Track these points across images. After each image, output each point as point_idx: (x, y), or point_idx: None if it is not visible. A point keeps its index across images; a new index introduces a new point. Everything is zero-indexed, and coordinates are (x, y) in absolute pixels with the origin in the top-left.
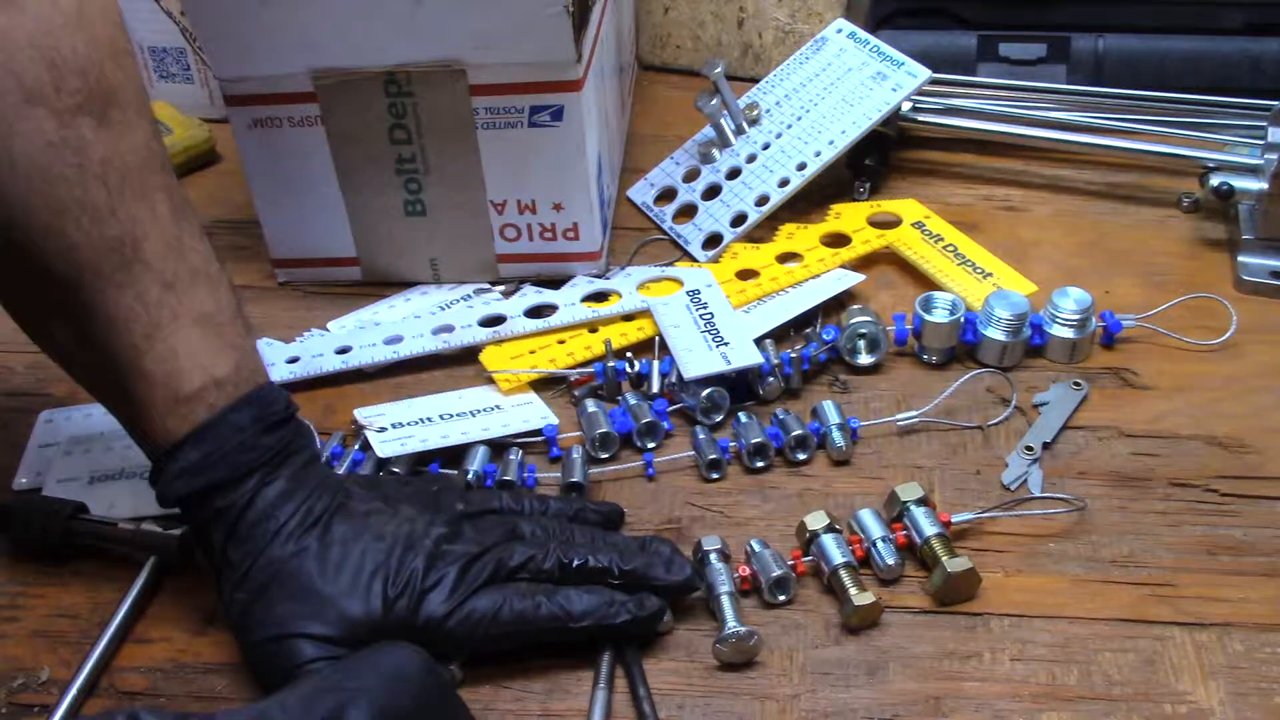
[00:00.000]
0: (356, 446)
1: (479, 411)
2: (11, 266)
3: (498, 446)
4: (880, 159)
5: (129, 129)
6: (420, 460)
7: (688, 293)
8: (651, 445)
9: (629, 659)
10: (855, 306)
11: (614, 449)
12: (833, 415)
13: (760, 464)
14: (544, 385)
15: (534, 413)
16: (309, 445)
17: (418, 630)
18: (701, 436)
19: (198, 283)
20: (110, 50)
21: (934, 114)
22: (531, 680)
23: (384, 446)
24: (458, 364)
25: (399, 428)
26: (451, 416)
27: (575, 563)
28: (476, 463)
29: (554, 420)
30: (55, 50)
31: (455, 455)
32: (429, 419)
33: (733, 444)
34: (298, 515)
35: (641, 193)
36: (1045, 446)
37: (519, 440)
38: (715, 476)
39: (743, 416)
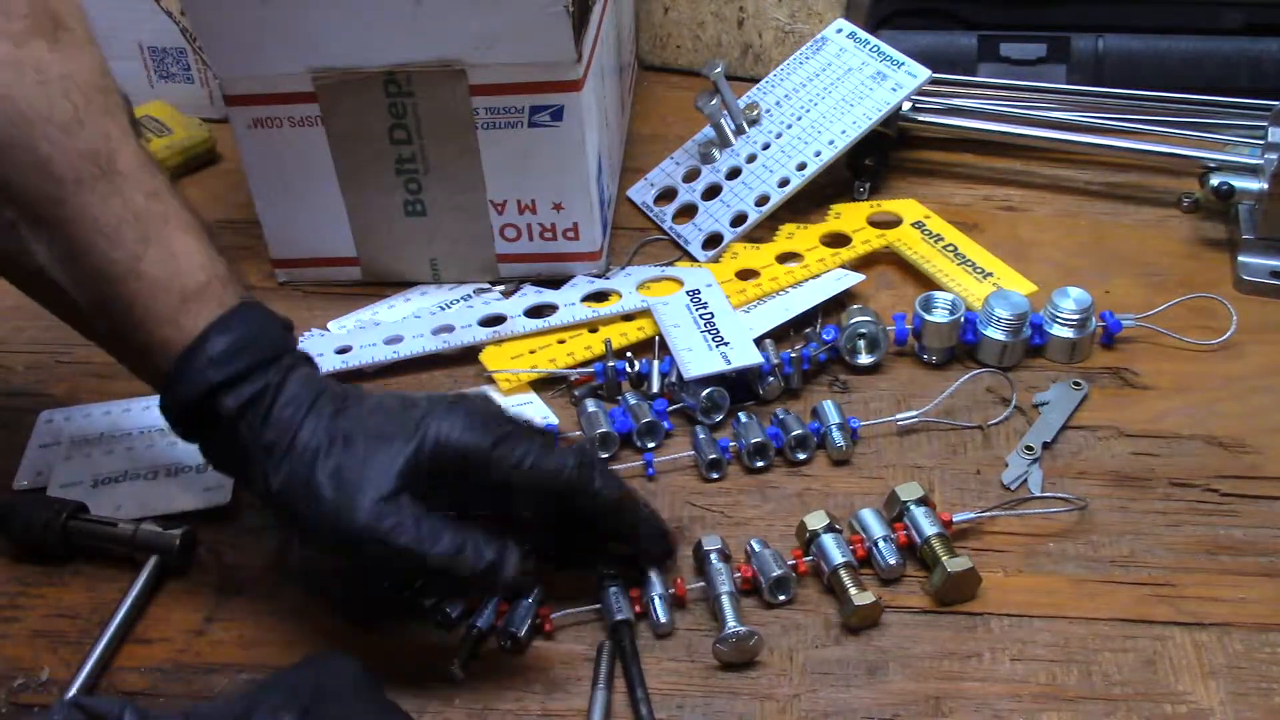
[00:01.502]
0: None
1: None
2: None
3: None
4: (880, 159)
5: (80, 50)
6: None
7: (688, 293)
8: (651, 445)
9: (628, 659)
10: (855, 306)
11: (614, 449)
12: (833, 415)
13: (760, 464)
14: (544, 385)
15: (534, 412)
16: (310, 358)
17: (463, 459)
18: (701, 436)
19: (175, 195)
20: None
21: (934, 114)
22: (531, 680)
23: None
24: (458, 364)
25: None
26: None
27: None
28: None
29: (554, 420)
30: None
31: None
32: None
33: (733, 444)
34: (324, 395)
35: (641, 193)
36: (1045, 446)
37: None
38: (715, 476)
39: (743, 416)
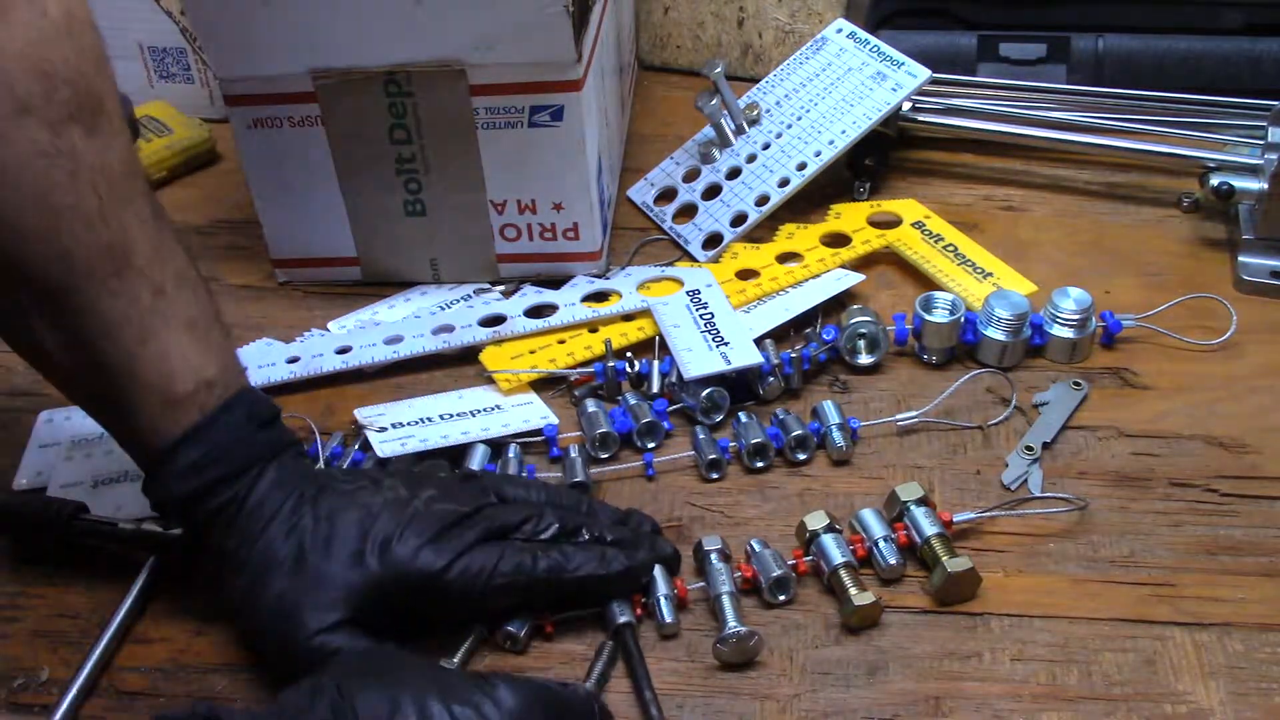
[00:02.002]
0: (356, 446)
1: (479, 411)
2: (7, 278)
3: (497, 446)
4: (880, 159)
5: (114, 137)
6: (420, 460)
7: (688, 293)
8: (651, 445)
9: (634, 661)
10: (855, 306)
11: (614, 449)
12: (833, 415)
13: (760, 464)
14: (544, 385)
15: (534, 412)
16: (295, 441)
17: (417, 585)
18: (701, 436)
19: (183, 288)
20: (95, 59)
21: (934, 114)
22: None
23: (384, 446)
24: (458, 364)
25: (399, 428)
26: (451, 416)
27: (569, 526)
28: (476, 462)
29: (554, 420)
30: (46, 60)
31: (455, 455)
32: (429, 419)
33: (733, 444)
34: (290, 500)
35: (641, 193)
36: (1045, 446)
37: (519, 440)
38: (715, 476)
39: (743, 416)
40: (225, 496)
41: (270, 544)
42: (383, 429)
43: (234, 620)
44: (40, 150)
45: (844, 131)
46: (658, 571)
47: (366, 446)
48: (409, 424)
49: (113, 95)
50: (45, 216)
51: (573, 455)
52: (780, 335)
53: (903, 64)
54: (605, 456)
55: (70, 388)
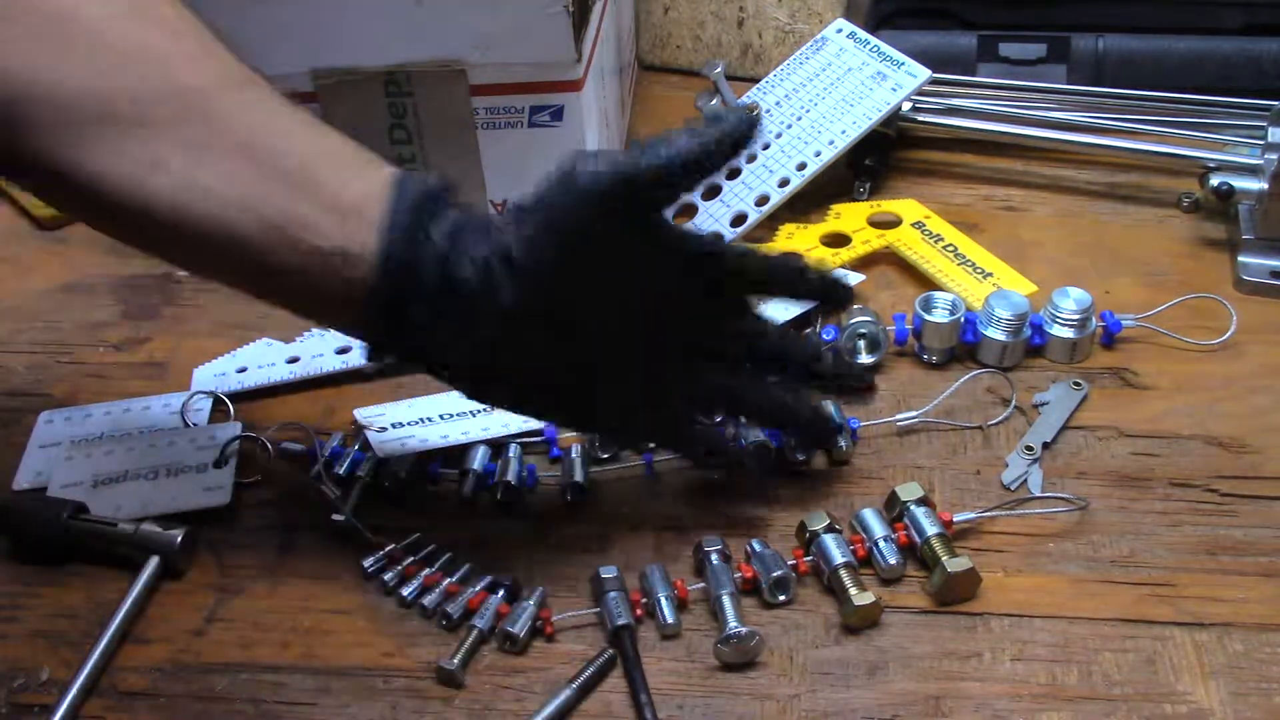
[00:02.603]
0: (356, 446)
1: (479, 411)
2: (144, 138)
3: (497, 446)
4: (880, 159)
5: (194, 13)
6: (421, 461)
7: None
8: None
9: (631, 664)
10: (855, 306)
11: (613, 449)
12: (833, 415)
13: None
14: None
15: None
16: None
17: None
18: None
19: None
20: None
21: (934, 114)
22: (531, 681)
23: (384, 446)
24: None
25: (399, 427)
26: (451, 416)
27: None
28: (477, 462)
29: None
30: None
31: (455, 455)
32: (429, 419)
33: (731, 444)
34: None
35: None
36: (1045, 446)
37: (519, 440)
38: (715, 476)
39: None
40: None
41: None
42: (383, 429)
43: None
44: (134, 14)
45: (844, 131)
46: (656, 573)
47: (366, 446)
48: (409, 424)
49: None
50: (159, 66)
51: (573, 455)
52: None
53: (903, 64)
54: (605, 456)
55: (225, 229)
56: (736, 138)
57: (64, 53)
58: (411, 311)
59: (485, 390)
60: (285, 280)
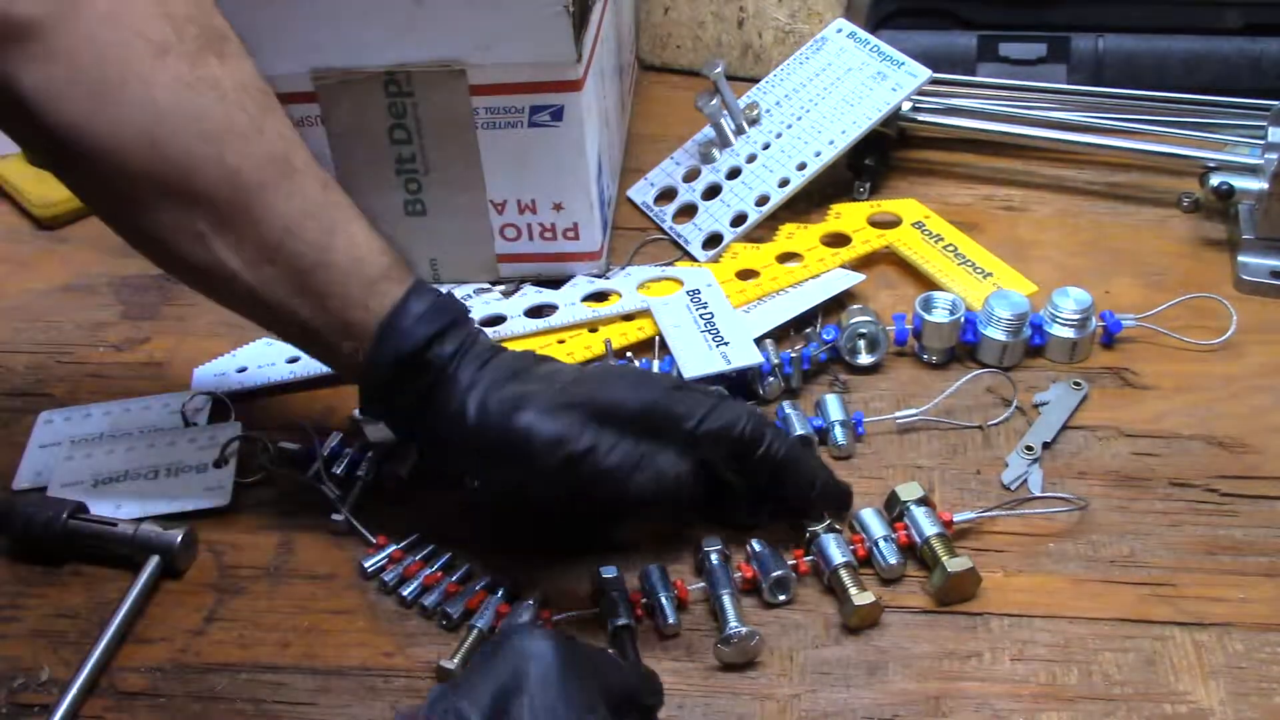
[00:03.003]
0: (356, 446)
1: None
2: (181, 209)
3: None
4: (880, 159)
5: (243, 59)
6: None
7: (688, 292)
8: None
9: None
10: (855, 306)
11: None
12: (835, 411)
13: None
14: None
15: None
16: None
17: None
18: None
19: (336, 184)
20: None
21: (934, 114)
22: None
23: (375, 431)
24: None
25: None
26: None
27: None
28: None
29: None
30: (169, 4)
31: None
32: None
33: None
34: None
35: (641, 193)
36: (1045, 446)
37: None
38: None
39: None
40: (464, 334)
41: (508, 357)
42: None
43: (463, 451)
44: (185, 83)
45: (844, 131)
46: (657, 573)
47: (366, 447)
48: None
49: (228, 27)
50: (207, 141)
51: None
52: (780, 335)
53: (903, 64)
54: None
55: (260, 307)
56: None
57: (104, 104)
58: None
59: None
60: (306, 350)
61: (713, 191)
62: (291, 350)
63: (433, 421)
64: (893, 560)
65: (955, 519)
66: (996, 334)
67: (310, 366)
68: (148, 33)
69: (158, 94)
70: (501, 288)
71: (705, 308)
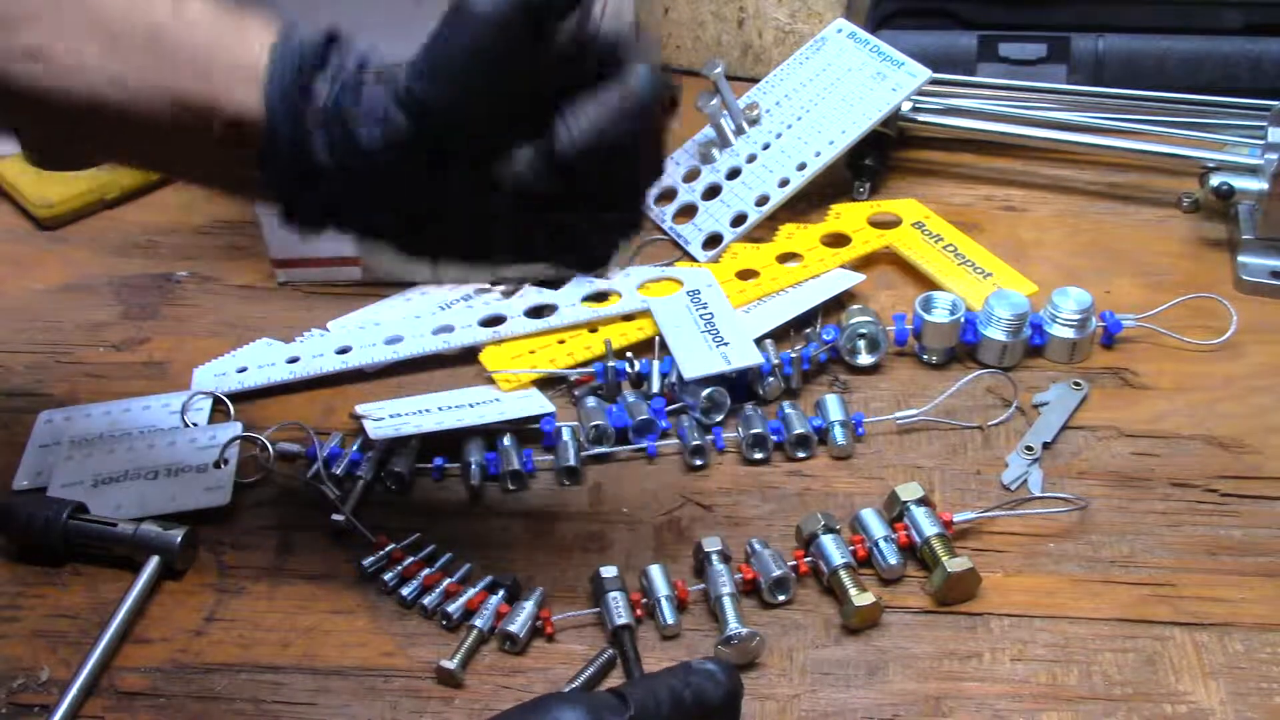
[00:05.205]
0: (355, 446)
1: (476, 403)
2: (11, 29)
3: (490, 438)
4: (880, 159)
5: None
6: (421, 457)
7: (688, 293)
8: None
9: (631, 664)
10: (855, 306)
11: (610, 443)
12: (835, 411)
13: (759, 455)
14: (544, 385)
15: (534, 404)
16: None
17: None
18: (686, 424)
19: None
20: None
21: (934, 114)
22: (532, 680)
23: (378, 430)
24: (458, 364)
25: (396, 417)
26: (449, 408)
27: None
28: (476, 454)
29: (551, 408)
30: None
31: (453, 451)
32: (426, 410)
33: (727, 434)
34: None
35: None
36: (1045, 446)
37: (516, 429)
38: (699, 464)
39: (747, 409)
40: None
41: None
42: (379, 419)
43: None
44: None
45: (844, 131)
46: (657, 573)
47: (365, 447)
48: (406, 414)
49: None
50: None
51: (564, 438)
52: (780, 335)
53: (903, 64)
54: (604, 451)
55: (121, 116)
56: None
57: None
58: (309, 171)
59: (376, 227)
60: (186, 156)
61: (713, 192)
62: (291, 350)
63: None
64: (893, 560)
65: (955, 519)
66: (996, 334)
67: (310, 366)
68: None
69: None
70: (501, 288)
71: (705, 308)
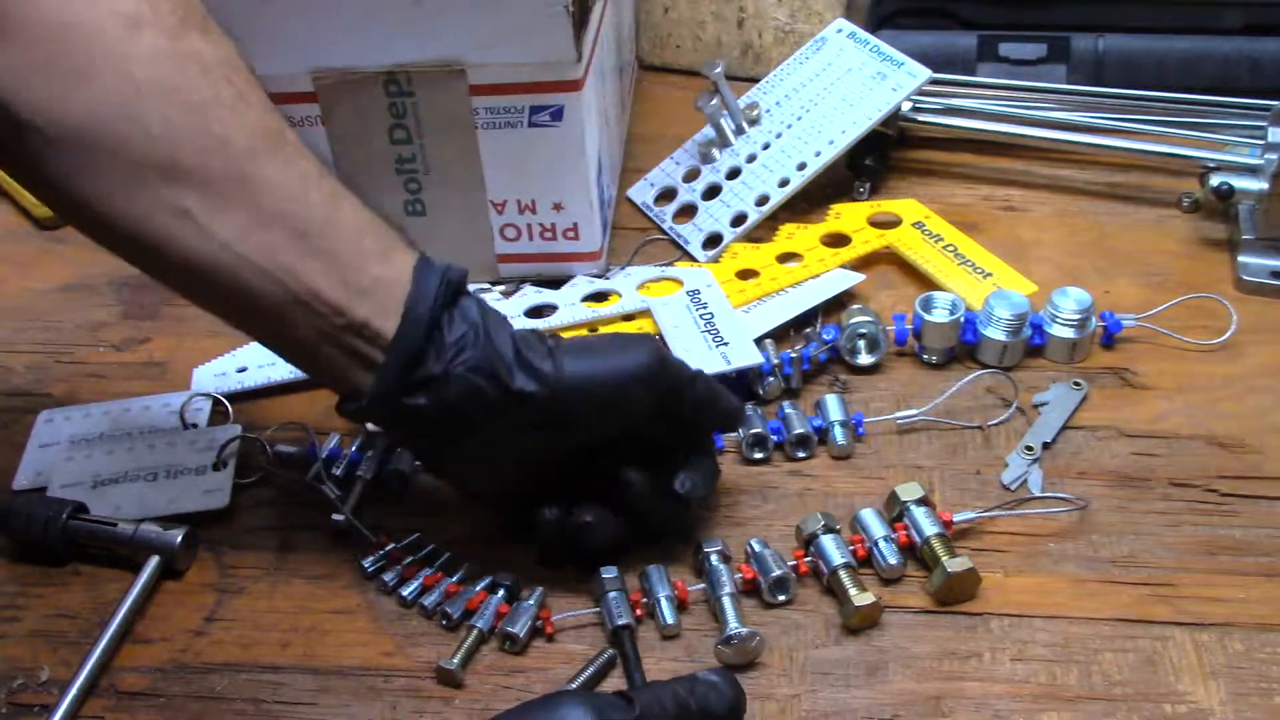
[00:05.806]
0: (355, 446)
1: None
2: (164, 185)
3: None
4: (880, 159)
5: (227, 40)
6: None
7: (688, 293)
8: None
9: (631, 664)
10: (855, 306)
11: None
12: (835, 411)
13: (759, 455)
14: None
15: None
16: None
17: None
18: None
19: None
20: None
21: (934, 114)
22: (532, 680)
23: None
24: None
25: None
26: None
27: None
28: None
29: None
30: None
31: None
32: None
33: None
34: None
35: (641, 193)
36: (1045, 446)
37: None
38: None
39: (747, 409)
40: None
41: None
42: None
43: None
44: (165, 54)
45: (844, 131)
46: (657, 573)
47: (365, 446)
48: None
49: (206, 8)
50: (191, 112)
51: None
52: (780, 335)
53: (903, 64)
54: None
55: (244, 288)
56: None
57: (77, 83)
58: (413, 395)
59: (449, 469)
60: (299, 346)
61: (713, 191)
62: None
63: (477, 396)
64: (893, 560)
65: (955, 519)
66: (996, 334)
67: None
68: (117, 6)
69: (134, 67)
70: (501, 288)
71: (705, 308)
